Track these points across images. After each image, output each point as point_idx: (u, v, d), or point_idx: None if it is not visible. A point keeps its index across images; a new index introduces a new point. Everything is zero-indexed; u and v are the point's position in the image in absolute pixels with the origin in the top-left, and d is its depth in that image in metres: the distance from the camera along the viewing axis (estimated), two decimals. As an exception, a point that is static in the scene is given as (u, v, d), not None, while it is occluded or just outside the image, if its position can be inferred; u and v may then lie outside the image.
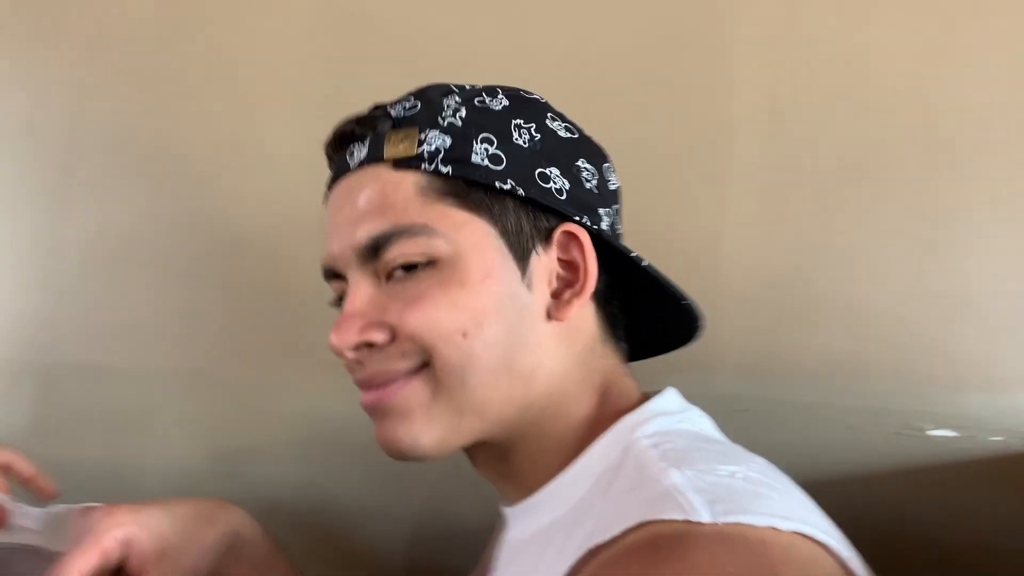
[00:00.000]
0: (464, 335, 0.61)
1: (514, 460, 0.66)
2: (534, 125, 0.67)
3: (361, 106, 0.70)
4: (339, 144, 0.69)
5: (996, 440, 0.89)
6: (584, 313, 0.67)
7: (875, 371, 0.93)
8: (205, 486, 1.08)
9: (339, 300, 0.69)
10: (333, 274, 0.67)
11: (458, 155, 0.64)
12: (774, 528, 0.49)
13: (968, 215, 0.93)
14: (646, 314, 0.72)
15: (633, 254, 0.66)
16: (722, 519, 0.49)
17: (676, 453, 0.58)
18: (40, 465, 0.97)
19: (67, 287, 1.13)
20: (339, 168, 0.68)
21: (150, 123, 1.14)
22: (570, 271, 0.66)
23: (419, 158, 0.64)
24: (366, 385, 0.64)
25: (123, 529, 0.66)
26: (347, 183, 0.66)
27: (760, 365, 0.89)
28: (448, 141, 0.64)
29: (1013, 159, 0.92)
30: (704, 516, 0.49)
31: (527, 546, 0.64)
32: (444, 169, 0.63)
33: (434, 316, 0.61)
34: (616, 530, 0.51)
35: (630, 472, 0.58)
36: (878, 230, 0.95)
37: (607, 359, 0.68)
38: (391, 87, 0.72)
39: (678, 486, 0.52)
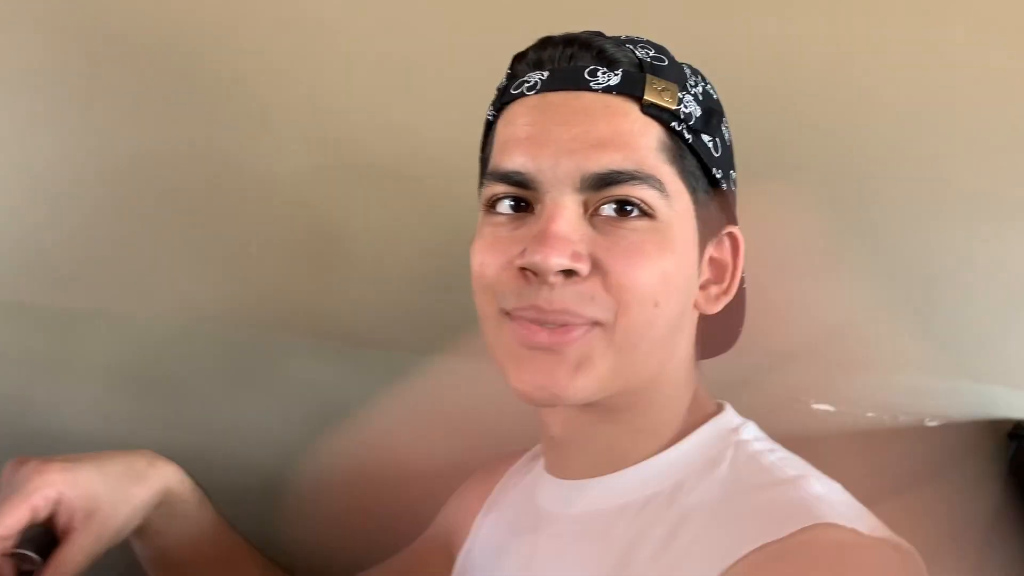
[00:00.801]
0: (656, 304, 0.61)
1: (606, 431, 0.67)
2: (727, 128, 0.69)
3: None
4: (573, 53, 0.64)
5: (871, 416, 0.97)
6: (697, 314, 0.69)
7: (764, 348, 0.99)
8: (122, 428, 1.09)
9: (493, 205, 0.65)
10: (517, 182, 0.63)
11: (699, 127, 0.64)
12: (899, 545, 0.56)
13: (865, 205, 0.97)
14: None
15: (744, 273, 0.70)
16: (873, 533, 0.55)
17: (794, 462, 0.63)
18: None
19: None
20: (566, 78, 0.64)
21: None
22: (713, 269, 0.68)
23: (674, 114, 0.63)
24: (545, 319, 0.61)
25: (54, 488, 0.67)
26: (581, 100, 0.63)
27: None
28: (699, 111, 0.65)
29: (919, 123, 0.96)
30: (862, 528, 0.55)
31: (614, 518, 0.64)
32: (688, 136, 0.63)
33: (646, 275, 0.60)
34: (786, 530, 0.54)
35: (748, 469, 0.62)
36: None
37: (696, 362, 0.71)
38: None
39: (823, 496, 0.57)
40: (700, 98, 0.66)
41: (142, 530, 0.75)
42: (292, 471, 1.07)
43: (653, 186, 0.61)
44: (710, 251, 0.68)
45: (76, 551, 0.67)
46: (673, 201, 0.62)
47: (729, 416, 0.69)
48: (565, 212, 0.61)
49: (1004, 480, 0.91)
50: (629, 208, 0.61)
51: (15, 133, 1.10)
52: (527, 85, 0.65)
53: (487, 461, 0.91)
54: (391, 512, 1.06)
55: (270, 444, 1.08)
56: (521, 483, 0.80)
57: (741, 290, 0.72)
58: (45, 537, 0.73)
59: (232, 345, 1.09)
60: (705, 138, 0.65)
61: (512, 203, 0.64)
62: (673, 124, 0.63)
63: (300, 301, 1.08)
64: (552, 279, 0.59)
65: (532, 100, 0.64)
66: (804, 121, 0.97)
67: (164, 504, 0.75)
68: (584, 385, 0.61)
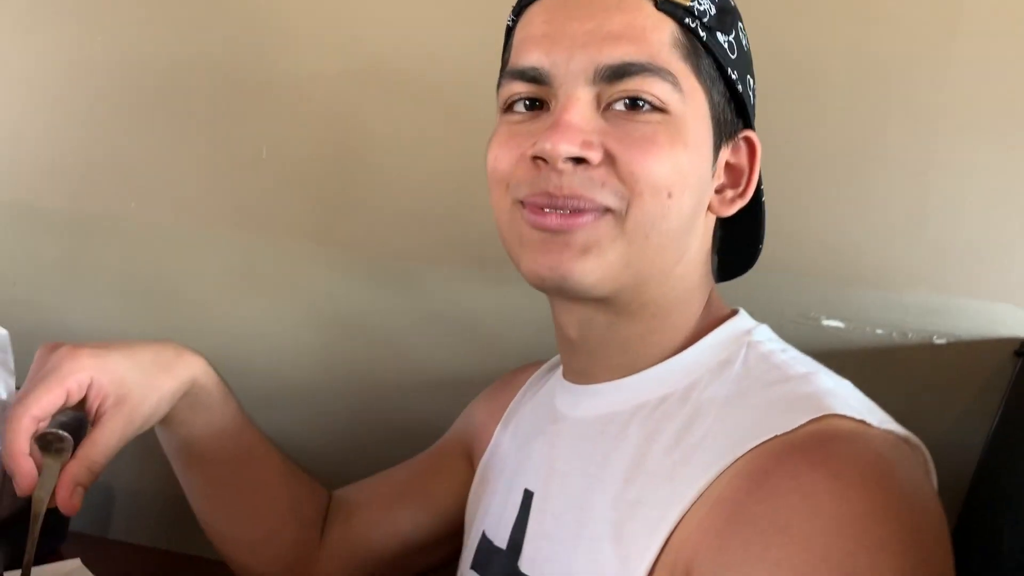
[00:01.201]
0: (669, 195, 0.62)
1: (621, 333, 0.68)
2: (744, 32, 0.69)
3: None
4: None
5: (880, 333, 0.98)
6: (713, 219, 0.70)
7: (776, 264, 0.99)
8: (133, 332, 1.10)
9: (509, 107, 0.67)
10: (534, 78, 0.64)
11: (715, 25, 0.65)
12: (907, 438, 0.58)
13: (874, 117, 0.97)
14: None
15: (762, 186, 0.70)
16: (882, 426, 0.57)
17: (805, 361, 0.65)
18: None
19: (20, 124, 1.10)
20: None
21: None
22: (729, 174, 0.69)
23: (688, 11, 0.63)
24: (556, 203, 0.62)
25: (87, 372, 0.67)
26: None
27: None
28: (713, 10, 0.65)
29: (935, 81, 0.96)
30: (871, 420, 0.56)
31: (629, 418, 0.66)
32: (702, 33, 0.64)
33: (659, 166, 0.61)
34: (797, 421, 0.55)
35: (760, 367, 0.64)
36: (790, 136, 0.98)
37: (712, 270, 0.72)
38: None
39: (832, 390, 0.59)
40: None
41: (168, 419, 0.76)
42: (304, 378, 1.09)
43: (666, 79, 0.62)
44: (726, 155, 0.68)
45: (107, 434, 0.68)
46: (687, 98, 0.63)
47: (743, 319, 0.70)
48: (577, 104, 0.62)
49: (1008, 397, 0.93)
50: (641, 103, 0.62)
51: (29, 37, 1.09)
52: None
53: (505, 371, 0.92)
54: (405, 419, 1.08)
55: (282, 351, 1.09)
56: (540, 392, 0.82)
57: (759, 204, 0.72)
58: (76, 422, 0.75)
59: (243, 251, 1.09)
60: (720, 37, 0.65)
61: (528, 103, 0.65)
62: (687, 20, 0.63)
63: (313, 209, 1.08)
64: (561, 165, 0.60)
65: (549, 1, 0.65)
66: (820, 38, 0.97)
67: (190, 395, 0.76)
68: (592, 268, 0.62)
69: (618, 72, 0.61)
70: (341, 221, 1.08)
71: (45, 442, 0.66)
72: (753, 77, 0.71)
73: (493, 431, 0.84)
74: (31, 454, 0.65)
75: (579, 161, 0.61)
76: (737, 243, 0.75)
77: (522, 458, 0.76)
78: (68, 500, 0.66)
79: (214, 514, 0.85)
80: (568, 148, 0.60)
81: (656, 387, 0.67)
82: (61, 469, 0.66)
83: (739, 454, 0.56)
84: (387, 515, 0.88)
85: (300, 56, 1.06)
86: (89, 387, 0.68)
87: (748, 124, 0.70)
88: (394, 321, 1.08)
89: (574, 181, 0.61)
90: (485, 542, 0.75)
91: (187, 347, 0.77)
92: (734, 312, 0.72)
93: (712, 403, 0.62)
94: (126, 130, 1.09)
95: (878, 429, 0.56)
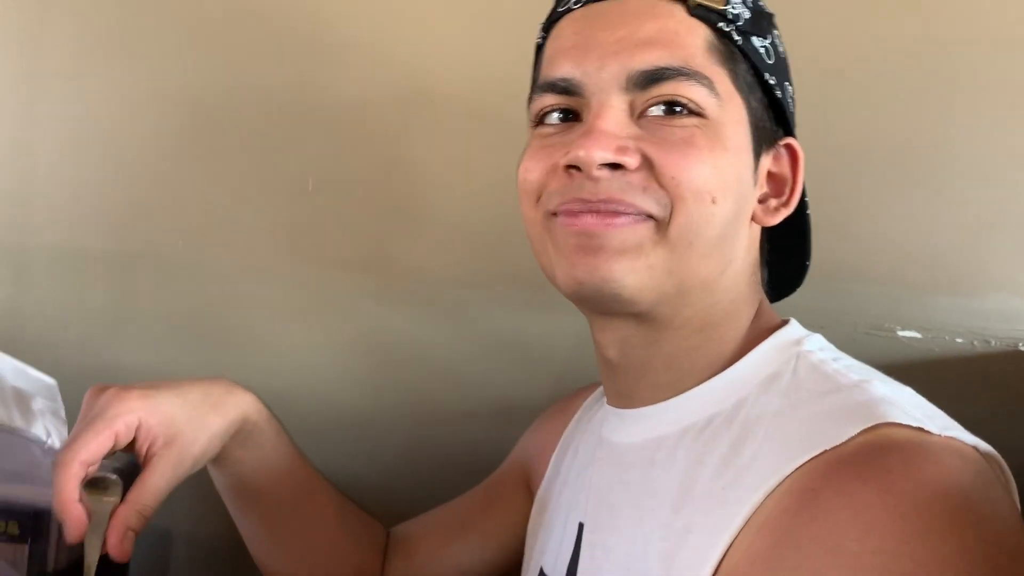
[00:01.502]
0: (713, 200, 0.59)
1: (663, 351, 0.65)
2: (780, 38, 0.68)
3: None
4: None
5: (960, 342, 0.93)
6: (759, 231, 0.68)
7: (846, 273, 0.96)
8: (184, 371, 1.07)
9: (540, 120, 0.65)
10: (565, 89, 0.63)
11: (750, 30, 0.63)
12: (976, 445, 0.53)
13: (946, 128, 0.93)
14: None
15: (807, 198, 0.68)
16: (944, 432, 0.52)
17: (860, 369, 0.61)
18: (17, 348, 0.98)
19: (42, 165, 1.09)
20: None
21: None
22: (771, 183, 0.66)
23: (722, 15, 0.62)
24: (593, 207, 0.60)
25: (135, 414, 0.66)
26: (630, 6, 0.62)
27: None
28: (748, 14, 0.63)
29: (1002, 68, 0.92)
30: (931, 428, 0.52)
31: (677, 442, 0.63)
32: (737, 38, 0.62)
33: (699, 169, 0.59)
34: (848, 434, 0.52)
35: (811, 378, 0.60)
36: (856, 136, 0.95)
37: (761, 273, 0.69)
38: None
39: (887, 397, 0.55)
40: (751, 3, 0.64)
41: (220, 459, 0.75)
42: (358, 410, 1.07)
43: (702, 83, 0.60)
44: (767, 164, 0.65)
45: (157, 476, 0.66)
46: (724, 102, 0.61)
47: (793, 329, 0.66)
48: (611, 111, 0.60)
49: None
50: (678, 108, 0.60)
51: (74, 78, 1.09)
52: (573, 0, 0.65)
53: (561, 396, 0.89)
54: (461, 449, 1.05)
55: (334, 384, 1.07)
56: (594, 417, 0.78)
57: (804, 216, 0.69)
58: (130, 466, 0.73)
59: (292, 284, 1.07)
60: (756, 41, 0.64)
61: (560, 115, 0.64)
62: (721, 25, 0.62)
63: (362, 238, 1.06)
64: (597, 172, 0.59)
65: (578, 12, 0.64)
66: (884, 30, 0.93)
67: (241, 433, 0.74)
68: (632, 270, 0.59)
69: (652, 77, 0.60)
70: (390, 249, 1.06)
71: (95, 487, 0.64)
72: (791, 84, 0.69)
73: (550, 459, 0.81)
74: (80, 500, 0.63)
75: (616, 167, 0.59)
76: (783, 261, 0.72)
77: (577, 488, 0.73)
78: (119, 546, 0.63)
79: (271, 555, 0.83)
80: (603, 154, 0.58)
81: (703, 407, 0.63)
82: (112, 514, 0.64)
83: (787, 472, 0.52)
84: (447, 550, 0.86)
85: (345, 84, 1.04)
86: (138, 429, 0.67)
87: (789, 131, 0.67)
88: (447, 348, 1.05)
89: (612, 186, 0.59)
90: None
91: (237, 384, 0.75)
92: (784, 322, 0.68)
93: (761, 420, 0.58)
94: (169, 168, 1.08)
95: (939, 436, 0.51)
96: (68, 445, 0.63)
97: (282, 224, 1.08)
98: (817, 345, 0.65)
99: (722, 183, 0.60)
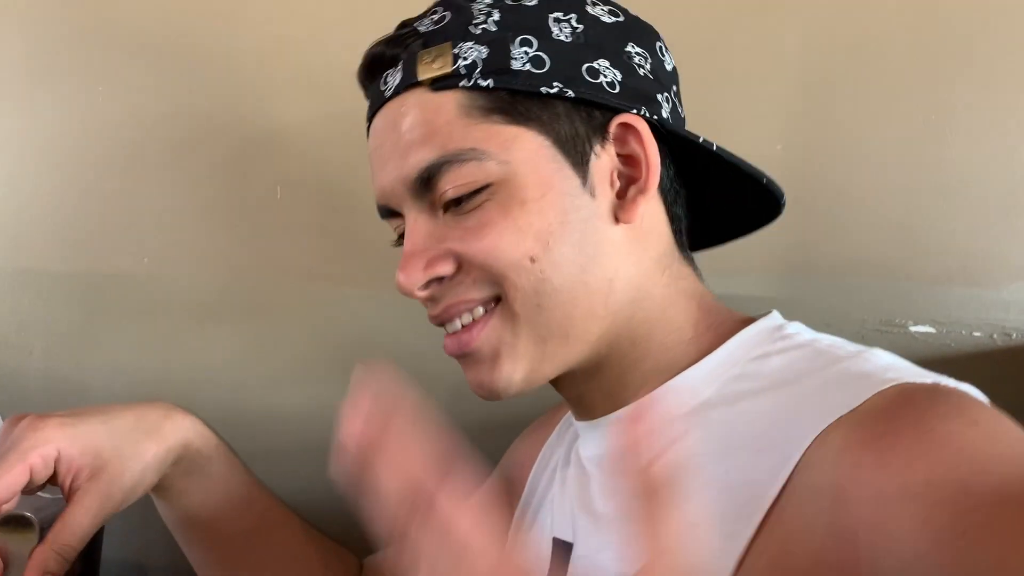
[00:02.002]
0: (532, 259, 0.58)
1: (608, 374, 0.63)
2: (574, 16, 0.62)
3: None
4: (371, 71, 0.65)
5: (978, 336, 0.87)
6: (653, 211, 0.63)
7: (850, 267, 0.90)
8: (150, 390, 1.04)
9: (399, 239, 0.66)
10: (388, 212, 0.64)
11: (497, 65, 0.59)
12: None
13: (955, 107, 0.88)
14: (716, 201, 0.69)
15: (701, 139, 0.62)
16: (959, 387, 0.51)
17: (851, 344, 0.58)
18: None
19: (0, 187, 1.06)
20: (375, 98, 0.64)
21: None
22: (631, 166, 0.61)
23: (456, 75, 0.59)
24: (443, 321, 0.62)
25: (52, 445, 0.61)
26: (386, 113, 0.62)
27: (734, 262, 0.86)
28: (485, 51, 0.59)
29: (1010, 47, 0.87)
30: (947, 382, 0.51)
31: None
32: (484, 83, 0.59)
33: (499, 243, 0.58)
34: (862, 397, 0.50)
35: (803, 356, 0.57)
36: (860, 121, 0.90)
37: (685, 266, 0.65)
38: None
39: (890, 364, 0.54)
40: (493, 29, 0.60)
41: (162, 490, 0.70)
42: (332, 430, 1.01)
43: (468, 159, 0.58)
44: (605, 161, 0.61)
45: (81, 513, 0.60)
46: (505, 152, 0.59)
47: (773, 316, 0.63)
48: (414, 226, 0.61)
49: None
50: (461, 197, 0.59)
51: (27, 99, 1.06)
52: (367, 116, 0.66)
53: (542, 412, 0.84)
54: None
55: (314, 400, 1.01)
56: (568, 432, 0.74)
57: (713, 154, 0.62)
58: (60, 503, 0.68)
59: (264, 297, 1.03)
60: (516, 64, 0.59)
61: (403, 230, 0.64)
62: (463, 83, 0.59)
63: (334, 250, 1.02)
64: (420, 294, 0.60)
65: (370, 131, 0.65)
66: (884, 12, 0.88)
67: (184, 460, 0.69)
68: (511, 372, 0.60)
69: (423, 180, 0.59)
70: (368, 258, 1.00)
71: (10, 527, 0.59)
72: (610, 55, 0.62)
73: (528, 475, 0.76)
74: None
75: (440, 279, 0.60)
76: (728, 198, 0.68)
77: (554, 506, 0.69)
78: (38, 591, 0.58)
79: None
80: (414, 280, 0.60)
81: (680, 401, 0.60)
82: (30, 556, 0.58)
83: (803, 448, 0.50)
84: None
85: (306, 99, 1.01)
86: (57, 461, 0.61)
87: (618, 109, 0.61)
88: (430, 359, 0.99)
89: (446, 296, 0.61)
90: None
91: (178, 407, 0.70)
92: (759, 317, 0.64)
93: (758, 402, 0.56)
94: (132, 187, 1.05)
95: (954, 388, 0.51)
96: None
97: (252, 236, 1.03)
98: (801, 328, 0.62)
99: (534, 237, 0.58)
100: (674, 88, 0.66)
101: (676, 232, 0.65)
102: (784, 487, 0.50)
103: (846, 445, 0.48)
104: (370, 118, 0.65)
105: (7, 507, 0.59)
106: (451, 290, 0.60)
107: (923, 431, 0.46)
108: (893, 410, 0.48)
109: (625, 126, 0.61)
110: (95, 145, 1.05)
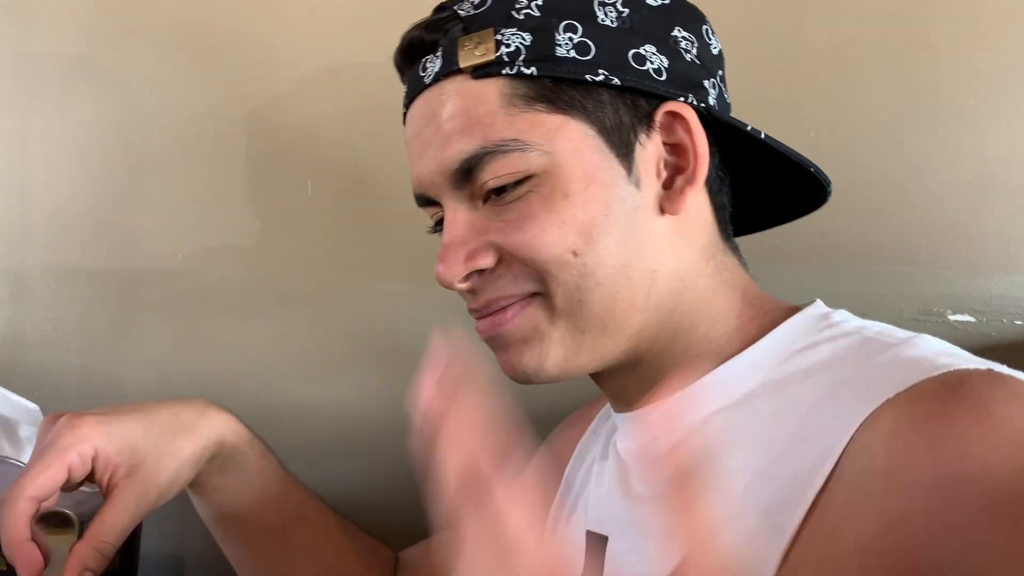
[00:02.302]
0: (575, 254, 0.57)
1: (648, 367, 0.61)
2: (614, 5, 0.60)
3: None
4: (409, 56, 0.63)
5: (1020, 324, 0.85)
6: (698, 201, 0.61)
7: (885, 254, 0.88)
8: (186, 388, 1.04)
9: (436, 226, 0.65)
10: (426, 200, 0.63)
11: (541, 52, 0.58)
12: None
13: (994, 90, 0.86)
14: (758, 188, 0.67)
15: (749, 127, 0.60)
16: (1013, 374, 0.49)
17: (901, 330, 0.56)
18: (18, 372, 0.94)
19: (38, 185, 1.07)
20: (413, 85, 0.62)
21: None
22: (677, 156, 0.60)
23: (499, 62, 0.57)
24: (481, 313, 0.61)
25: (89, 443, 0.61)
26: (425, 101, 0.60)
27: (765, 250, 0.85)
28: (528, 37, 0.58)
29: None
30: (1000, 369, 0.49)
31: (701, 430, 0.58)
32: (528, 70, 0.57)
33: (542, 237, 0.56)
34: (914, 380, 0.48)
35: (851, 343, 0.55)
36: (896, 107, 0.88)
37: (729, 256, 0.64)
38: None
39: (942, 350, 0.51)
40: (536, 14, 0.58)
41: (198, 486, 0.70)
42: (369, 422, 1.01)
43: (510, 150, 0.57)
44: (651, 150, 0.59)
45: (118, 510, 0.61)
46: (550, 142, 0.57)
47: (817, 305, 0.61)
48: (454, 216, 0.60)
49: None
50: (502, 188, 0.58)
51: (64, 100, 1.07)
52: (403, 103, 0.64)
53: (581, 405, 0.83)
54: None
55: (346, 396, 1.02)
56: (605, 426, 0.73)
57: (761, 142, 0.61)
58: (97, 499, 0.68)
59: (298, 294, 1.03)
60: (560, 51, 0.58)
61: (440, 218, 0.63)
62: (506, 71, 0.57)
63: (368, 242, 1.02)
64: (460, 286, 0.60)
65: (407, 118, 0.64)
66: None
67: (218, 457, 0.69)
68: (542, 357, 0.59)
69: (464, 171, 0.58)
70: (399, 252, 1.01)
71: (51, 524, 0.59)
72: (658, 42, 0.60)
73: (566, 467, 0.75)
74: (34, 539, 0.58)
75: (481, 271, 0.59)
76: (774, 186, 0.67)
77: (590, 501, 0.68)
78: (76, 588, 0.58)
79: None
80: (455, 273, 0.59)
81: (724, 393, 0.58)
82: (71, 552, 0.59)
83: (851, 432, 0.48)
84: None
85: (336, 95, 1.01)
86: (95, 459, 0.61)
87: (666, 97, 0.59)
88: (456, 352, 0.99)
89: (486, 290, 0.60)
90: None
91: (213, 404, 0.70)
92: (802, 307, 0.62)
93: (804, 392, 0.54)
94: (165, 185, 1.05)
95: (1011, 375, 0.48)
96: (16, 481, 0.58)
97: (284, 232, 1.03)
98: (847, 316, 0.60)
99: (577, 231, 0.57)
100: (720, 73, 0.64)
101: (720, 221, 0.63)
102: (830, 476, 0.48)
103: (895, 429, 0.47)
104: (407, 104, 0.63)
105: (47, 504, 0.60)
106: (491, 284, 0.59)
107: (981, 415, 0.45)
108: (948, 393, 0.47)
109: (672, 114, 0.59)
110: (129, 143, 1.05)
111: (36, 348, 1.06)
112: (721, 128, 0.61)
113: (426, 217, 0.66)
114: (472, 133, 0.57)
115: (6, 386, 0.88)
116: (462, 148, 0.57)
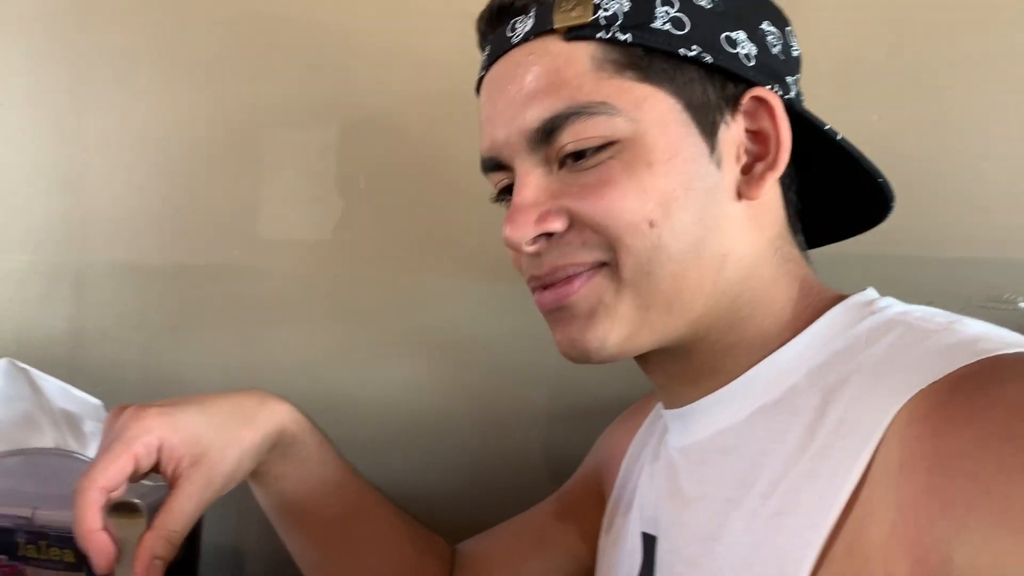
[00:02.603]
0: (651, 224, 0.55)
1: (699, 357, 0.61)
2: None
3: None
4: (498, 17, 0.62)
5: (1094, 310, 0.82)
6: (774, 192, 0.61)
7: (956, 241, 0.86)
8: (244, 380, 1.05)
9: (501, 194, 0.64)
10: (495, 165, 0.62)
11: (638, 20, 0.57)
12: None
13: None
14: (827, 196, 0.66)
15: (827, 126, 0.59)
16: None
17: (943, 313, 0.55)
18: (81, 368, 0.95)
19: (97, 183, 1.09)
20: (498, 45, 0.61)
21: None
22: (758, 143, 0.59)
23: (595, 25, 0.57)
24: (544, 282, 0.59)
25: (155, 434, 0.61)
26: (510, 60, 0.60)
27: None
28: (627, 4, 0.57)
29: None
30: None
31: (749, 426, 0.58)
32: (623, 37, 0.57)
33: (620, 203, 0.55)
34: (952, 367, 0.47)
35: (893, 331, 0.54)
36: (961, 90, 0.86)
37: (795, 249, 0.63)
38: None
39: (982, 334, 0.50)
40: None
41: (259, 475, 0.70)
42: (420, 415, 1.01)
43: (598, 112, 0.56)
44: (735, 132, 0.59)
45: (183, 499, 0.61)
46: (636, 111, 0.56)
47: (865, 293, 0.60)
48: (526, 179, 0.59)
49: None
50: (584, 151, 0.57)
51: (115, 97, 1.08)
52: (481, 66, 0.64)
53: (642, 394, 0.82)
54: (538, 454, 0.98)
55: (393, 387, 1.02)
56: (659, 422, 0.72)
57: (837, 145, 0.60)
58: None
59: (347, 286, 1.03)
60: (659, 22, 0.57)
61: (505, 188, 0.63)
62: (600, 35, 0.57)
63: (412, 236, 1.02)
64: (528, 249, 0.58)
65: (485, 79, 0.63)
66: None
67: (279, 446, 0.69)
68: (606, 332, 0.58)
69: (546, 131, 0.57)
70: (449, 245, 1.01)
71: (121, 513, 0.60)
72: (749, 28, 0.59)
73: (621, 463, 0.75)
74: (105, 528, 0.59)
75: (548, 234, 0.58)
76: (839, 194, 0.65)
77: (645, 498, 0.67)
78: (146, 576, 0.59)
79: (323, 576, 0.77)
80: (524, 234, 0.58)
81: (767, 386, 0.58)
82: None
83: (887, 421, 0.47)
84: (518, 568, 0.79)
85: (390, 82, 1.00)
86: (160, 449, 0.62)
87: (754, 83, 0.58)
88: (517, 346, 0.98)
89: (553, 256, 0.58)
90: None
91: (272, 394, 0.70)
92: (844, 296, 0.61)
93: (844, 382, 0.53)
94: (220, 181, 1.06)
95: None
96: (86, 472, 0.59)
97: (337, 225, 1.03)
98: (891, 302, 0.59)
99: (657, 201, 0.56)
100: (798, 76, 0.63)
101: (790, 216, 0.62)
102: (866, 470, 0.48)
103: (911, 418, 0.47)
104: (486, 67, 0.63)
105: (115, 495, 0.60)
106: (558, 249, 0.58)
107: (983, 395, 0.45)
108: (972, 378, 0.46)
109: (758, 100, 0.58)
110: (185, 140, 1.06)
111: (98, 345, 1.08)
112: (797, 128, 0.60)
113: (483, 198, 0.65)
114: (558, 93, 0.56)
115: (69, 382, 0.90)
116: (547, 107, 0.56)
